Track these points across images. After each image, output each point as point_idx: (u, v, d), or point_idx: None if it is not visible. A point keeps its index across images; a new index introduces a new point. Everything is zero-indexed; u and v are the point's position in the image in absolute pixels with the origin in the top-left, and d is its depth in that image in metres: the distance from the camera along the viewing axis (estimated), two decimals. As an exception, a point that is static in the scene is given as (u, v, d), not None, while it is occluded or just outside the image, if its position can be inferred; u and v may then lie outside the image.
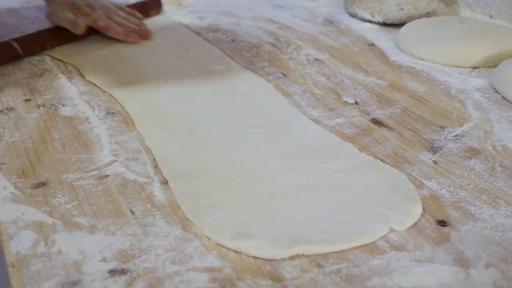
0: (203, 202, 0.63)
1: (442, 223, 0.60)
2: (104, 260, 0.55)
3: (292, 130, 0.78)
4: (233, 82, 0.93)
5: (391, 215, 0.60)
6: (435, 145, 0.75)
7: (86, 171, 0.69)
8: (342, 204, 0.62)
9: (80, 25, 1.04)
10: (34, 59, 1.00)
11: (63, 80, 0.94)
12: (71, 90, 0.90)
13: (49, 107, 0.84)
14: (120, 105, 0.85)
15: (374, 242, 0.57)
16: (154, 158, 0.71)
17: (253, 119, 0.80)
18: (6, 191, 0.65)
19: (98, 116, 0.82)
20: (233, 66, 0.99)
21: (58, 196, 0.64)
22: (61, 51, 1.03)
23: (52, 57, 1.02)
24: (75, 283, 0.52)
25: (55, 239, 0.58)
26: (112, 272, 0.54)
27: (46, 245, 0.57)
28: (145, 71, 0.96)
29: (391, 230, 0.59)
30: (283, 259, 0.55)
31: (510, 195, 0.65)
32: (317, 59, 1.02)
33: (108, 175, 0.68)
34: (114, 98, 0.87)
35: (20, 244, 0.57)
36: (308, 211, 0.61)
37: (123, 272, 0.54)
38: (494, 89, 0.89)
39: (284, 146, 0.74)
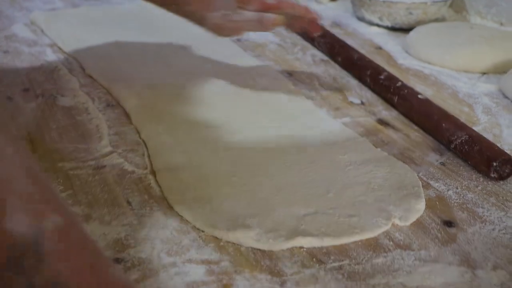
0: (191, 195, 0.60)
1: (449, 223, 0.58)
2: (97, 249, 0.53)
3: (307, 122, 0.77)
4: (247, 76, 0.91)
5: (394, 210, 0.59)
6: (443, 147, 0.73)
7: (83, 161, 0.67)
8: (347, 199, 0.61)
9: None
10: (36, 50, 0.99)
11: (63, 71, 0.92)
12: (72, 82, 0.88)
13: (48, 98, 0.82)
14: (115, 99, 0.82)
15: (376, 237, 0.56)
16: (153, 151, 0.69)
17: (266, 114, 0.79)
18: (-2, 178, 0.63)
19: (98, 107, 0.80)
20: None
21: (53, 184, 0.62)
22: (65, 43, 1.01)
23: (53, 49, 1.00)
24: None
25: (47, 226, 0.56)
26: (105, 262, 0.52)
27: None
28: (146, 66, 0.93)
29: (394, 226, 0.57)
30: (283, 253, 0.53)
31: (520, 198, 0.63)
32: (323, 60, 1.01)
33: (105, 166, 0.66)
34: (110, 93, 0.84)
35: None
36: (311, 206, 0.59)
37: (116, 261, 0.52)
38: (504, 94, 0.88)
39: (298, 139, 0.72)
